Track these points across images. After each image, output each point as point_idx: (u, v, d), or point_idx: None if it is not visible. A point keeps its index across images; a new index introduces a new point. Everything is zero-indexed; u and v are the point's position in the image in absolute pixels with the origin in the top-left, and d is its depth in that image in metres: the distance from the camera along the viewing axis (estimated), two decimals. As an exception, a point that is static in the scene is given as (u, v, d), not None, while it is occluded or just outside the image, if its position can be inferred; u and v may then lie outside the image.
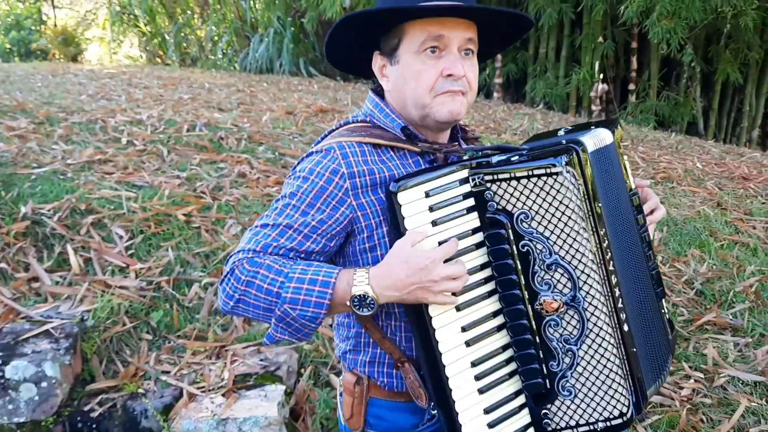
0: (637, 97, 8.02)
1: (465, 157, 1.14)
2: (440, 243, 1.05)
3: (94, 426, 2.06)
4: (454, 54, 1.12)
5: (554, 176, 1.04)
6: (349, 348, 1.24)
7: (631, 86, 8.03)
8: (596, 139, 1.14)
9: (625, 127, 7.16)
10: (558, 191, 1.05)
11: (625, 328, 1.12)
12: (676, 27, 6.33)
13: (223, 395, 2.11)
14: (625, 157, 1.24)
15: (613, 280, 1.11)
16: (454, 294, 1.06)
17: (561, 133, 1.20)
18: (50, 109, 4.43)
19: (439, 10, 1.10)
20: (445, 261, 1.04)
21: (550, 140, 1.16)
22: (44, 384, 2.02)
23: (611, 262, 1.11)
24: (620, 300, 1.12)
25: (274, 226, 1.10)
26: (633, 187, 1.24)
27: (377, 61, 1.20)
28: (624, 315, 1.12)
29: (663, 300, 1.30)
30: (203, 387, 2.16)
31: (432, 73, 1.12)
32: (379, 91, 1.25)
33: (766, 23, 7.30)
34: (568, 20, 7.79)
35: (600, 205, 1.09)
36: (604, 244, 1.10)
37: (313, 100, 6.27)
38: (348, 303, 1.04)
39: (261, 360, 2.29)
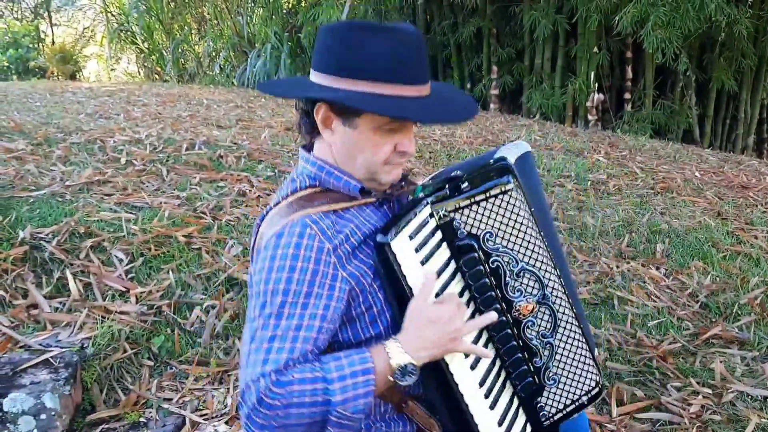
0: (633, 106, 8.03)
1: (421, 195, 1.19)
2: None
3: (95, 456, 2.02)
4: (411, 133, 1.15)
5: (508, 193, 1.16)
6: None
7: (627, 95, 8.06)
8: (516, 150, 1.29)
9: (623, 137, 7.17)
10: (514, 206, 1.17)
11: (575, 311, 1.28)
12: (670, 36, 6.36)
13: (226, 423, 2.08)
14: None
15: (558, 272, 1.26)
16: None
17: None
18: (48, 130, 4.42)
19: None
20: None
21: (477, 162, 1.28)
22: (43, 416, 1.98)
23: (552, 258, 1.26)
24: (567, 287, 1.28)
25: (283, 336, 1.00)
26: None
27: (322, 112, 1.13)
28: (572, 299, 1.28)
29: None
30: (206, 414, 2.13)
31: (388, 148, 1.14)
32: (307, 147, 1.23)
33: (760, 31, 7.35)
34: (563, 31, 7.82)
35: (533, 209, 1.23)
36: (546, 243, 1.24)
37: (310, 116, 6.26)
38: (390, 378, 1.04)
39: (264, 384, 2.26)
